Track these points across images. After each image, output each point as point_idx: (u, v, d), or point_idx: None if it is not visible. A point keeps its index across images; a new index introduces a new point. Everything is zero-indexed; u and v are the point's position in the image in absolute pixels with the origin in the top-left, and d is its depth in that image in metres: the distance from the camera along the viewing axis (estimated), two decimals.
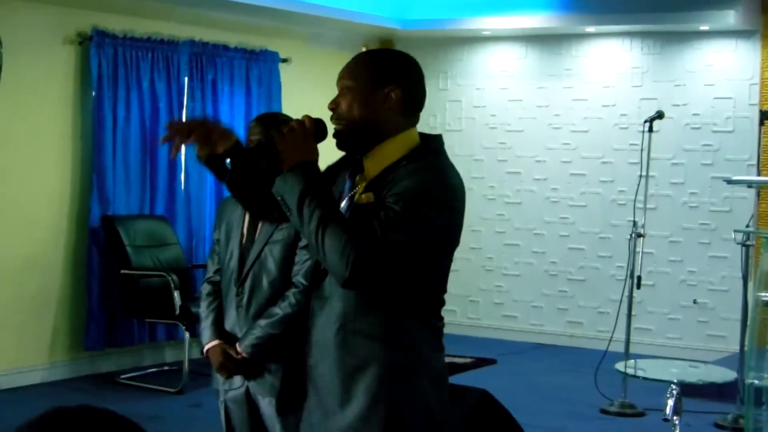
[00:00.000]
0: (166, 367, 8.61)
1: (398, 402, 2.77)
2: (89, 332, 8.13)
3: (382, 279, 2.71)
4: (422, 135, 2.91)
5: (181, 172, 8.81)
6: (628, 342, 7.52)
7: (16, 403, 7.34)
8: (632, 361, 6.91)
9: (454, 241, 2.85)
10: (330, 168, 3.03)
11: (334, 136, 2.87)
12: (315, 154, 2.82)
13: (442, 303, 2.92)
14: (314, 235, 2.68)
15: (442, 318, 2.92)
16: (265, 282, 4.02)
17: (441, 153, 2.89)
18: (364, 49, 10.44)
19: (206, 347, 4.13)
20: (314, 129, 2.83)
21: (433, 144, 2.89)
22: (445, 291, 2.92)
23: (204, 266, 8.65)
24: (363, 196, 2.81)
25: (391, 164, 2.81)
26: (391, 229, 2.65)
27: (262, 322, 3.97)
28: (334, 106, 2.86)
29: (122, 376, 8.17)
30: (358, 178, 2.89)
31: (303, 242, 3.88)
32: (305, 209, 2.70)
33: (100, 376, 8.22)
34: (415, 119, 2.91)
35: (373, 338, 2.77)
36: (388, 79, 2.83)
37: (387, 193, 2.73)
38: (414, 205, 2.68)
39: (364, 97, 2.82)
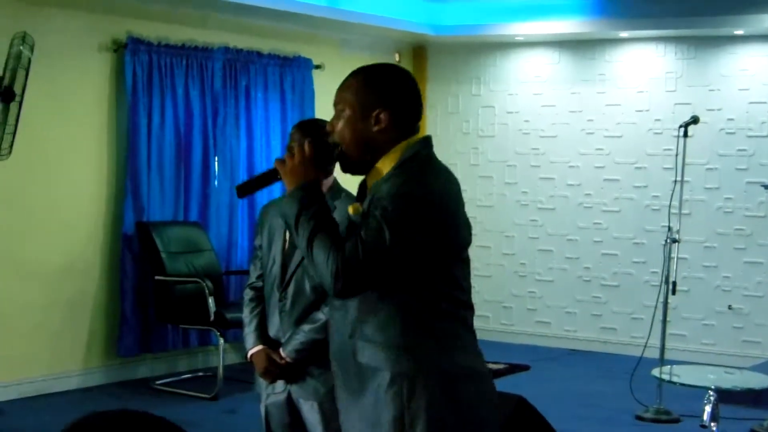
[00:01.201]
0: (200, 373, 8.62)
1: (403, 408, 2.79)
2: (123, 338, 8.15)
3: (373, 284, 2.77)
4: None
5: (214, 179, 8.81)
6: (663, 348, 7.45)
7: (52, 408, 7.37)
8: (667, 367, 6.87)
9: (446, 238, 2.83)
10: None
11: (336, 158, 2.97)
12: (313, 175, 2.90)
13: (460, 302, 2.90)
14: (305, 249, 2.79)
15: (459, 318, 2.90)
16: (308, 287, 4.01)
17: (422, 155, 2.91)
18: (396, 56, 10.50)
19: (250, 352, 4.14)
20: (313, 153, 2.92)
21: (414, 148, 2.92)
22: (461, 289, 2.91)
23: (238, 272, 8.77)
24: (350, 207, 2.89)
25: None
26: (371, 235, 2.72)
27: (306, 327, 3.98)
28: (331, 128, 2.96)
29: (157, 382, 8.18)
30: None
31: None
32: (300, 227, 2.81)
33: (134, 382, 8.24)
34: (412, 130, 2.97)
35: (378, 344, 2.83)
36: (375, 103, 2.91)
37: (371, 201, 2.80)
38: (391, 208, 2.73)
39: (355, 123, 2.91)
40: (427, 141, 2.96)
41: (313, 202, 2.83)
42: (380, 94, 2.91)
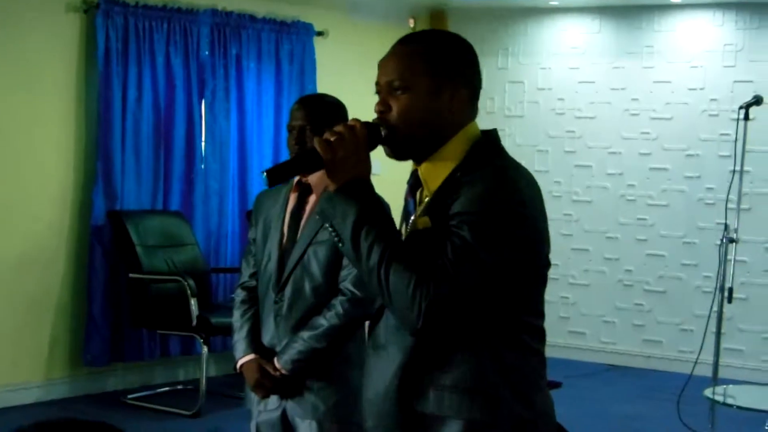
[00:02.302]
0: (180, 387, 8.64)
1: None
2: (91, 345, 8.15)
3: (459, 321, 2.61)
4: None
5: (200, 162, 8.81)
6: (716, 365, 7.41)
7: (7, 426, 7.36)
8: (722, 387, 6.86)
9: (536, 257, 2.75)
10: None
11: (386, 144, 2.76)
12: (368, 167, 2.71)
13: (538, 331, 2.82)
14: (375, 274, 2.58)
15: (538, 352, 2.81)
16: (308, 288, 4.01)
17: (499, 152, 2.80)
18: (411, 22, 10.46)
19: (240, 362, 4.13)
20: (367, 135, 2.71)
21: (489, 143, 2.80)
22: (539, 315, 2.83)
23: (227, 270, 8.78)
24: (419, 220, 2.72)
25: (450, 173, 2.72)
26: (463, 263, 2.54)
27: (305, 334, 3.98)
28: (383, 108, 2.75)
29: (129, 396, 8.19)
30: (419, 193, 2.81)
31: None
32: (362, 242, 2.61)
33: (103, 396, 8.25)
34: (475, 112, 2.84)
35: (445, 389, 2.65)
36: (453, 75, 2.75)
37: (448, 213, 2.62)
38: (482, 227, 2.57)
39: (427, 100, 2.73)
40: (496, 134, 2.84)
41: (373, 208, 2.64)
42: (459, 65, 2.77)
